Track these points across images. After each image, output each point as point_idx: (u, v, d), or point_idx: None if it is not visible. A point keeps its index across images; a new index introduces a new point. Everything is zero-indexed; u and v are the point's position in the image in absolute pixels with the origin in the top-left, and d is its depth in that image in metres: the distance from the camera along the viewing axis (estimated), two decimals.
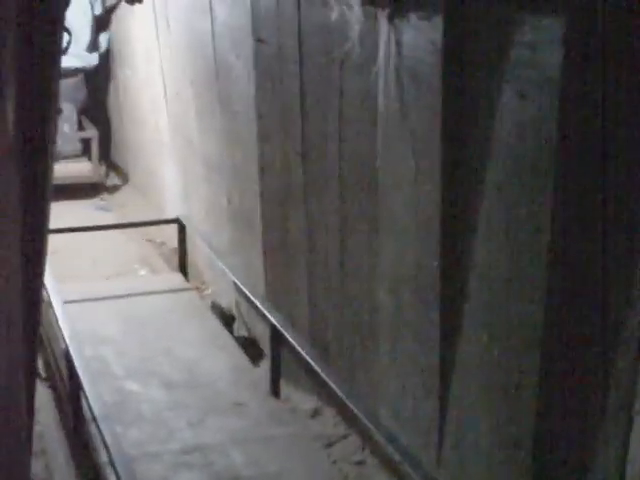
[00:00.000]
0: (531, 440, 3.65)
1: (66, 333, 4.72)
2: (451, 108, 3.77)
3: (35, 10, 2.48)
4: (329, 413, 5.25)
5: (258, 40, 5.04)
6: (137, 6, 8.16)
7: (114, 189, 10.41)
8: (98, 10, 10.36)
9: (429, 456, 4.35)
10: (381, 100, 4.20)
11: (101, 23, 10.45)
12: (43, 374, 5.69)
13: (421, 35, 3.83)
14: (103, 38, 10.47)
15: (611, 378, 3.36)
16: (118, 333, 5.67)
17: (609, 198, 3.23)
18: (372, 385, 4.82)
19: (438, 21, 3.71)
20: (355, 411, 4.09)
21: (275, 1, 4.85)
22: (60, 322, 4.88)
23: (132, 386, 5.03)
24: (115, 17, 9.74)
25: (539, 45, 3.29)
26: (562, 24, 3.16)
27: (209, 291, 7.14)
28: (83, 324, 5.65)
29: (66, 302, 5.59)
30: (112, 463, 3.58)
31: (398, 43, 3.99)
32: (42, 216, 2.89)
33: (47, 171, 2.86)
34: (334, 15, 4.28)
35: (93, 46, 10.51)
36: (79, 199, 9.89)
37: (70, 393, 4.65)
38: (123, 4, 8.93)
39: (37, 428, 5.13)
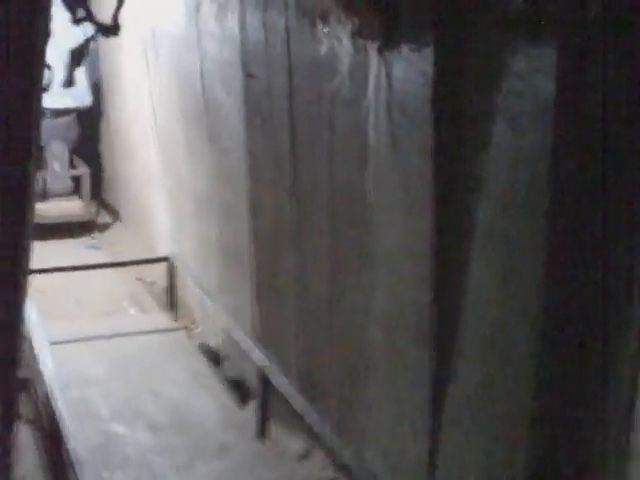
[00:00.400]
0: None
1: (48, 374, 4.61)
2: (442, 141, 3.68)
3: (15, 45, 2.41)
4: (318, 456, 5.11)
5: (248, 75, 4.97)
6: (125, 40, 8.09)
7: (105, 227, 10.32)
8: (72, 44, 10.31)
9: None
10: (372, 134, 4.12)
11: (76, 57, 10.35)
12: (30, 416, 5.58)
13: (412, 67, 3.76)
14: (80, 73, 10.42)
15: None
16: (104, 374, 5.56)
17: (607, 239, 3.16)
18: (360, 426, 4.71)
19: (429, 52, 3.63)
20: (341, 455, 3.96)
21: (264, 36, 4.78)
22: (42, 363, 4.76)
23: (118, 428, 4.91)
24: (104, 52, 9.68)
25: (531, 75, 3.23)
26: (554, 53, 3.10)
27: (199, 330, 7.03)
28: (69, 365, 5.54)
29: (52, 343, 5.49)
30: None
31: (388, 76, 3.92)
32: (22, 258, 2.79)
33: (27, 210, 2.77)
34: (323, 49, 4.21)
35: (68, 82, 10.46)
36: (69, 238, 9.80)
37: (51, 436, 4.53)
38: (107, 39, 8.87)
39: (19, 472, 5.01)
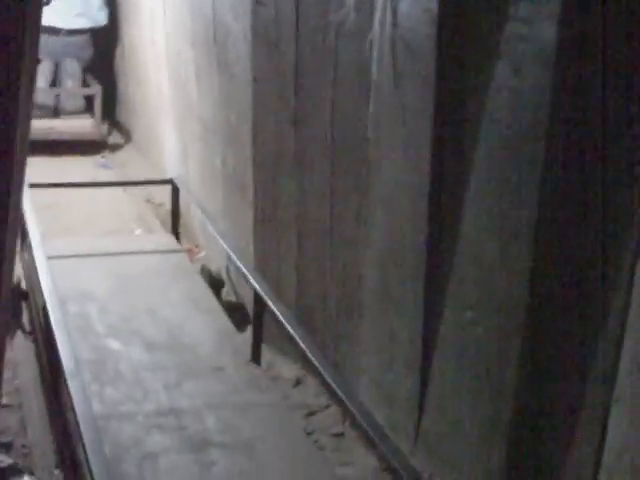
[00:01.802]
0: (509, 422, 3.62)
1: (45, 288, 4.67)
2: (444, 80, 3.70)
3: None
4: (311, 383, 5.20)
5: (257, 2, 4.96)
6: None
7: (116, 147, 10.37)
8: None
9: (407, 431, 4.32)
10: (375, 69, 4.13)
11: None
12: (28, 328, 5.69)
13: (417, 3, 3.76)
14: None
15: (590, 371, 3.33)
16: (103, 290, 5.62)
17: (606, 179, 3.18)
18: (354, 357, 4.78)
19: None
20: (334, 384, 4.03)
21: None
22: (40, 277, 4.82)
23: (112, 344, 4.98)
24: None
25: (535, 19, 3.22)
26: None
27: (203, 254, 7.10)
28: (69, 280, 5.61)
29: (54, 257, 5.56)
30: (77, 421, 3.54)
31: (394, 11, 3.91)
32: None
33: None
34: None
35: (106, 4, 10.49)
36: (80, 155, 9.85)
37: (46, 349, 4.62)
38: None
39: (16, 382, 5.13)
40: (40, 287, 4.79)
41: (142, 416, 4.30)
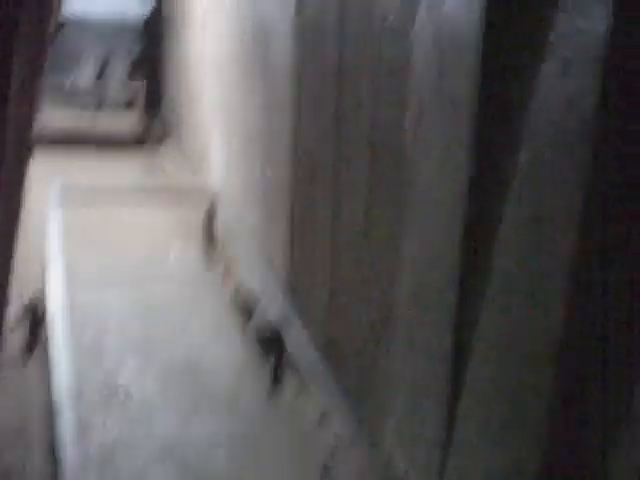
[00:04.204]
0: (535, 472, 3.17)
1: (56, 310, 4.37)
2: (490, 77, 3.28)
3: None
4: (335, 418, 4.76)
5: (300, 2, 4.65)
6: None
7: (161, 148, 10.09)
8: None
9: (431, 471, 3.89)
10: (418, 65, 3.75)
11: None
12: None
13: None
14: None
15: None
16: (125, 315, 5.28)
17: None
18: (381, 391, 4.36)
19: None
20: (357, 421, 3.62)
21: None
22: (53, 297, 4.53)
23: (126, 370, 4.62)
24: None
25: (586, 14, 2.81)
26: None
27: (237, 275, 6.73)
28: (91, 301, 5.31)
29: (79, 276, 5.28)
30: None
31: (439, 4, 3.53)
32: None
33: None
34: None
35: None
36: (125, 159, 9.58)
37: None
38: None
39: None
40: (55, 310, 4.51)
41: (146, 449, 3.91)
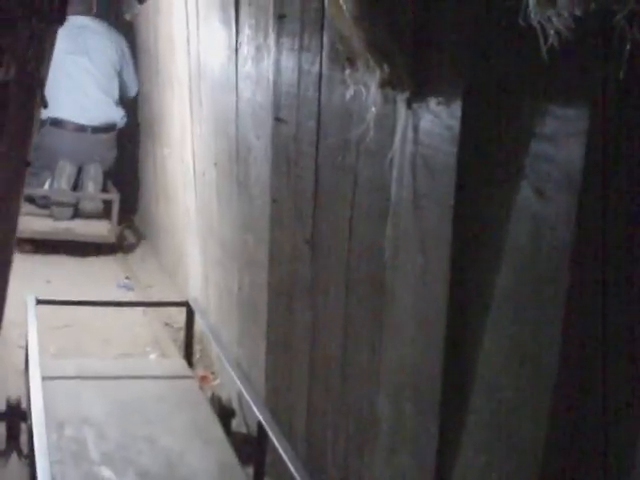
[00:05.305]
0: None
1: (35, 410, 4.40)
2: (464, 201, 3.43)
3: None
4: None
5: (277, 119, 4.79)
6: (175, 85, 8.04)
7: (142, 270, 10.19)
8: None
9: None
10: (394, 188, 3.89)
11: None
12: (25, 451, 5.40)
13: (438, 121, 3.54)
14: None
15: None
16: (103, 415, 5.32)
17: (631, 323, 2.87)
18: None
19: (456, 107, 3.40)
20: None
21: (297, 79, 4.60)
22: (32, 398, 4.56)
23: (105, 473, 4.66)
24: (156, 94, 9.66)
25: (561, 139, 2.98)
26: (586, 116, 2.85)
27: (217, 382, 6.80)
28: (69, 402, 5.35)
29: (57, 378, 5.33)
30: None
31: (415, 129, 3.70)
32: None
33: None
34: (351, 95, 4.00)
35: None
36: (102, 279, 9.67)
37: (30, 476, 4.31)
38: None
39: None
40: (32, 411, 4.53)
41: None
